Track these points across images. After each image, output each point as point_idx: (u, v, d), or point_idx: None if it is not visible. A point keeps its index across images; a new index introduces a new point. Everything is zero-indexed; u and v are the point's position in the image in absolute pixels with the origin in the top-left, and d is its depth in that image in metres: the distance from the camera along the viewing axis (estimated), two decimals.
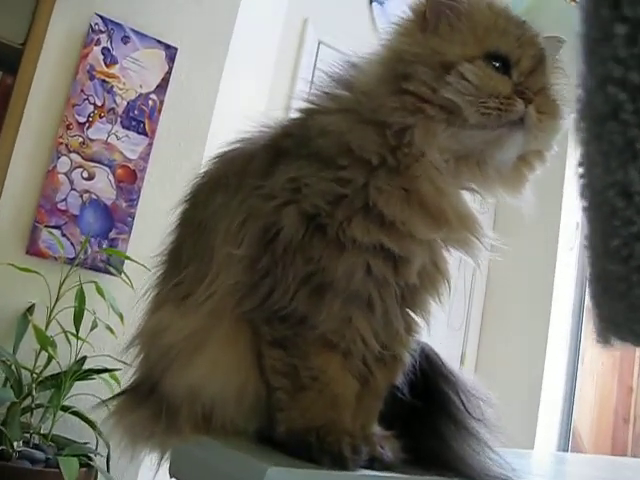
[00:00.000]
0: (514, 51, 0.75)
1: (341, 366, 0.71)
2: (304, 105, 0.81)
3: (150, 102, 2.37)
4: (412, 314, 0.75)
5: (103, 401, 0.85)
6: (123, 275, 2.11)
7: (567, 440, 3.29)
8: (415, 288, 0.74)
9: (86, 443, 2.02)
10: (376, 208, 0.70)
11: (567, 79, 0.79)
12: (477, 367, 3.70)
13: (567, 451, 3.31)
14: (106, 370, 2.03)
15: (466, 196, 0.77)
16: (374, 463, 0.68)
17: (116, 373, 2.03)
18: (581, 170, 0.43)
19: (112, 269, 2.09)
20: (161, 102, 2.39)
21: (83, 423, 2.01)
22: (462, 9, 0.76)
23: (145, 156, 2.35)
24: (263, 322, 0.71)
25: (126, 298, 2.07)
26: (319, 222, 0.70)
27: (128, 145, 2.32)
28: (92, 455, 1.95)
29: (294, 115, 0.82)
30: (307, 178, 0.71)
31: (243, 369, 0.72)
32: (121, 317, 1.98)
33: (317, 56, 3.14)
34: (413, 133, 0.72)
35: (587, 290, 0.47)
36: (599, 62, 0.42)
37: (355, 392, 0.72)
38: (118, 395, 0.82)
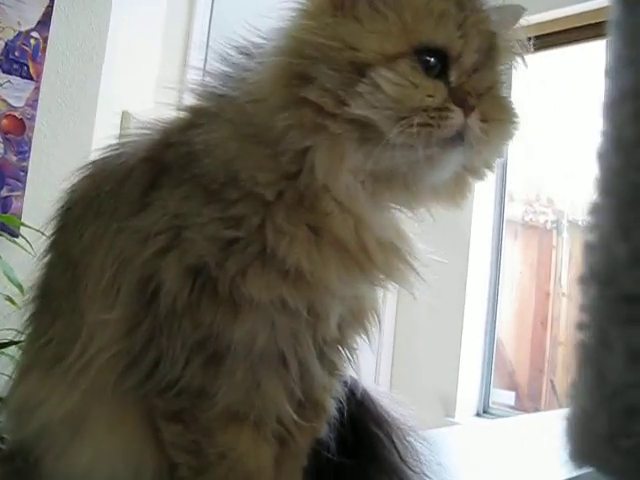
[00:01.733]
0: (454, 43, 0.58)
1: (253, 439, 0.61)
2: (192, 98, 0.66)
3: (32, 41, 2.13)
4: (334, 355, 0.65)
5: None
6: (23, 241, 1.93)
7: (492, 349, 3.37)
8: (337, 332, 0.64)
9: None
10: (276, 255, 0.57)
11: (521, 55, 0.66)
12: None
13: (492, 358, 3.38)
14: (12, 343, 1.89)
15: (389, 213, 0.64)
16: None
17: None
18: None
19: (6, 235, 1.91)
20: (44, 40, 2.15)
21: None
22: None
23: (32, 102, 2.13)
24: (155, 395, 0.60)
25: (25, 264, 1.91)
26: (207, 276, 0.57)
27: (11, 92, 2.09)
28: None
29: (180, 113, 0.67)
30: (189, 217, 0.58)
31: (134, 452, 0.61)
32: (20, 287, 1.82)
33: None
34: (314, 157, 0.57)
35: None
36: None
37: (272, 459, 0.63)
38: None
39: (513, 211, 3.54)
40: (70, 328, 0.63)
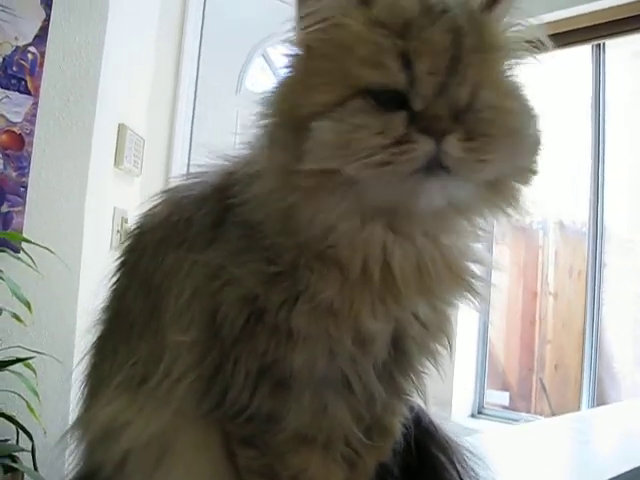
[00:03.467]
0: (396, 77, 0.55)
1: (323, 461, 0.63)
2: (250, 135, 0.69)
3: (29, 55, 2.12)
4: (402, 379, 0.67)
5: None
6: (25, 256, 1.92)
7: (485, 350, 3.41)
8: (401, 355, 0.65)
9: (6, 440, 1.89)
10: (310, 290, 0.58)
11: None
12: None
13: (485, 359, 3.42)
14: (19, 360, 1.88)
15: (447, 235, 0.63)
16: None
17: (31, 362, 1.88)
18: None
19: (9, 251, 1.90)
20: (42, 54, 2.13)
21: (1, 420, 1.88)
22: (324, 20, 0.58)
23: (31, 117, 2.11)
24: (228, 420, 0.63)
25: (28, 279, 1.90)
26: (258, 307, 0.60)
27: (10, 107, 2.08)
28: (17, 455, 1.83)
29: (242, 146, 0.70)
30: (241, 254, 0.61)
31: (220, 477, 0.64)
32: (28, 305, 1.81)
33: None
34: (299, 213, 0.58)
35: None
36: None
37: None
38: None
39: None
40: (154, 350, 0.65)
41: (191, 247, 0.65)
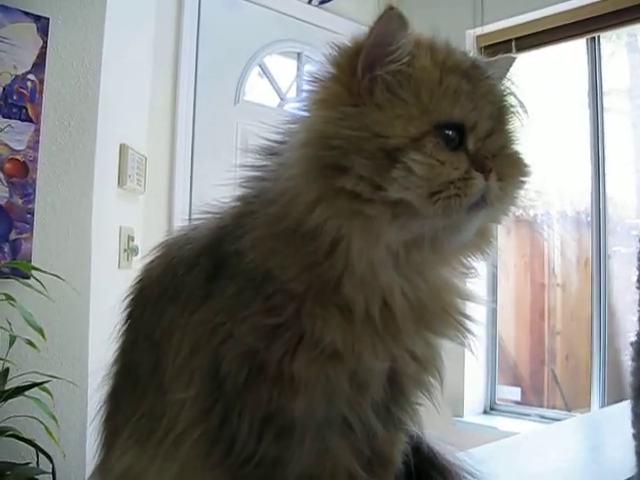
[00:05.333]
0: (469, 115, 0.63)
1: None
2: (240, 190, 0.71)
3: (29, 83, 2.15)
4: (399, 412, 0.70)
5: None
6: (35, 281, 1.95)
7: (494, 345, 3.43)
8: (396, 390, 0.68)
9: (28, 463, 1.93)
10: (313, 337, 0.61)
11: (522, 109, 0.69)
12: None
13: (496, 355, 3.44)
14: (35, 385, 1.92)
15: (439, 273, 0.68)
16: None
17: (47, 386, 1.92)
18: None
19: (19, 279, 1.93)
20: (41, 82, 2.16)
21: (21, 444, 1.91)
22: (402, 62, 0.62)
23: (34, 144, 2.14)
24: (237, 469, 0.65)
25: (39, 305, 1.94)
26: (259, 360, 0.62)
27: (12, 136, 2.11)
28: (37, 477, 1.87)
29: (233, 202, 0.72)
30: (240, 310, 0.63)
31: None
32: (41, 332, 1.85)
33: (200, 5, 2.92)
34: (350, 243, 0.61)
35: None
36: None
37: None
38: None
39: None
40: (157, 405, 0.68)
41: (185, 306, 0.67)
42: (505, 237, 3.64)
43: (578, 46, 3.14)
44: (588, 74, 3.10)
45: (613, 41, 3.19)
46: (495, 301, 3.46)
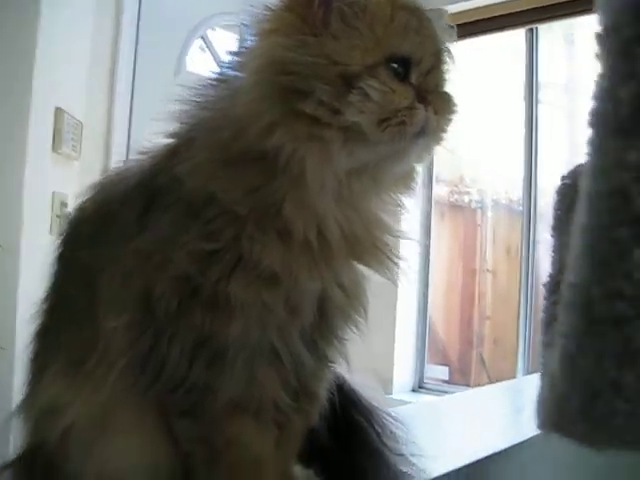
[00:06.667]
0: (416, 50, 0.67)
1: (255, 427, 0.68)
2: (175, 126, 0.72)
3: None
4: (326, 347, 0.72)
5: None
6: None
7: (424, 326, 3.50)
8: (324, 321, 0.70)
9: None
10: (252, 261, 0.64)
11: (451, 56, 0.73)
12: None
13: (425, 335, 3.51)
14: None
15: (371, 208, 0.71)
16: None
17: None
18: None
19: None
20: None
21: None
22: None
23: None
24: (167, 393, 0.66)
25: None
26: (194, 284, 0.64)
27: None
28: None
29: (166, 139, 0.73)
30: (177, 236, 0.64)
31: (153, 449, 0.68)
32: None
33: None
34: (305, 166, 0.64)
35: None
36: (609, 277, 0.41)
37: (273, 444, 0.70)
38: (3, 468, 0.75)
39: (440, 192, 3.67)
40: (90, 336, 0.68)
41: (119, 239, 0.68)
42: (439, 222, 3.71)
43: (518, 38, 3.21)
44: (525, 66, 3.17)
45: (551, 34, 3.27)
46: (426, 286, 3.53)
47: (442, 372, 3.38)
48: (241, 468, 0.67)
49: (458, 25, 0.76)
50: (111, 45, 2.80)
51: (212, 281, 0.63)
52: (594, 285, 0.45)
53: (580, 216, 0.46)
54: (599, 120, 0.45)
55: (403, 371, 3.28)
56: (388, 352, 3.15)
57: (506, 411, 1.29)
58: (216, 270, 0.63)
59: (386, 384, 3.16)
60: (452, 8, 3.10)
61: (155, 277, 0.65)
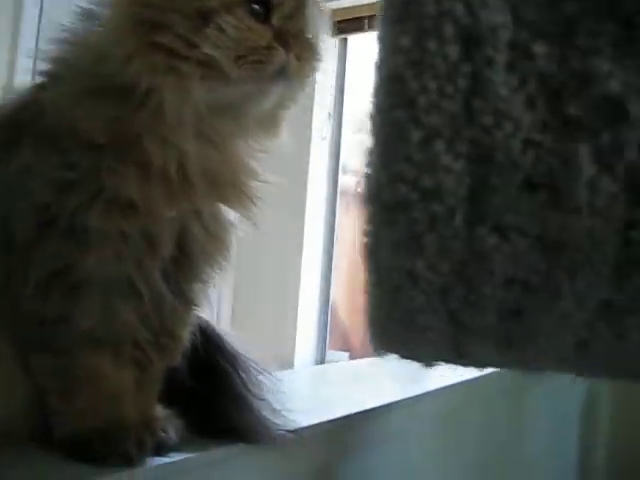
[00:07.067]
0: None
1: (113, 363, 0.68)
2: (45, 67, 0.72)
3: None
4: (188, 287, 0.74)
5: None
6: None
7: (326, 313, 3.55)
8: (185, 259, 0.72)
9: None
10: (111, 191, 0.64)
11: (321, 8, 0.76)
12: None
13: (327, 322, 3.56)
14: None
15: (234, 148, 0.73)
16: (160, 450, 0.69)
17: None
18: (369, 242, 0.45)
19: None
20: None
21: None
22: None
23: None
24: (22, 326, 0.67)
25: None
26: (52, 213, 0.64)
27: None
28: None
29: (36, 77, 0.74)
30: (37, 166, 0.65)
31: (11, 383, 0.68)
32: None
33: None
34: (163, 98, 0.66)
35: None
36: (392, 161, 0.44)
37: (133, 382, 0.70)
38: None
39: (346, 183, 3.71)
40: None
41: None
42: (344, 213, 3.75)
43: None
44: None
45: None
46: (330, 273, 3.58)
47: (342, 357, 3.43)
48: (98, 403, 0.67)
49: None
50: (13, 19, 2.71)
51: (70, 210, 0.64)
52: (381, 171, 0.48)
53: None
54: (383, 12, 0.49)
55: (304, 356, 3.32)
56: (290, 337, 3.19)
57: (384, 378, 1.34)
58: (75, 200, 0.64)
59: (287, 367, 3.20)
60: (336, 4, 3.10)
61: (14, 206, 0.65)
